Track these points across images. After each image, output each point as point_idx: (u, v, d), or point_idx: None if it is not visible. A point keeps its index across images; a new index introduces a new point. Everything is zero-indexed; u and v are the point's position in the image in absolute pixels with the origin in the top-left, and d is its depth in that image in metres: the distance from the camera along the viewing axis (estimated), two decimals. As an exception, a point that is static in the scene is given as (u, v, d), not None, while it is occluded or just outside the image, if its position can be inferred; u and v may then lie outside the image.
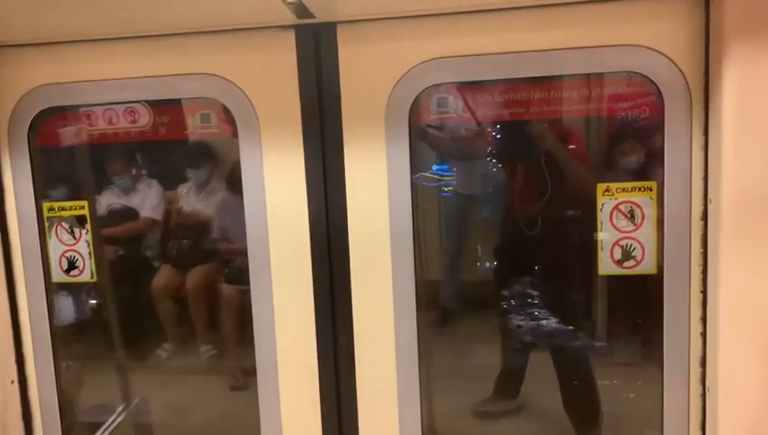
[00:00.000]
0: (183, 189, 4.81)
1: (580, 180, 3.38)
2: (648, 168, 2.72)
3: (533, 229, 3.63)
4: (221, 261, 4.65)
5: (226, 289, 4.61)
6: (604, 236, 2.42)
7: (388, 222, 2.47)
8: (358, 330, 2.53)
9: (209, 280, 4.71)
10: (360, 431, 2.59)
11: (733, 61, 2.01)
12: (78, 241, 2.76)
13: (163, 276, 4.77)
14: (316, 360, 2.56)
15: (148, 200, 4.74)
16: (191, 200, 4.81)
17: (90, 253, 2.76)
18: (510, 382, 3.93)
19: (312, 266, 2.52)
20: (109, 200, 4.47)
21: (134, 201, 4.71)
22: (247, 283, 4.35)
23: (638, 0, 2.24)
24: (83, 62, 2.54)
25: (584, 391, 3.65)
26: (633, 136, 2.94)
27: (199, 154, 4.47)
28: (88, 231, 2.75)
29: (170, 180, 4.73)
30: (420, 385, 2.55)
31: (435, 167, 3.88)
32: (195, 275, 4.74)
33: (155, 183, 4.73)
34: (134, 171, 4.61)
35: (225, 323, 4.61)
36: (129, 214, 4.66)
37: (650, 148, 2.56)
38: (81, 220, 2.74)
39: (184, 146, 4.43)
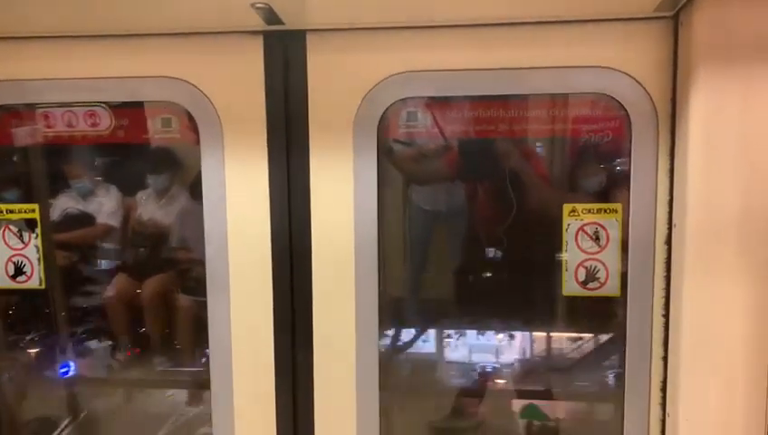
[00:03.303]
0: (142, 196, 4.71)
1: (544, 200, 3.41)
2: (614, 189, 2.74)
3: (496, 248, 3.63)
4: (179, 271, 4.55)
5: (183, 300, 4.51)
6: (569, 256, 2.41)
7: (353, 235, 2.42)
8: (317, 345, 2.47)
9: (166, 290, 4.61)
10: None
11: (700, 86, 2.02)
12: (27, 246, 2.63)
13: (118, 285, 4.64)
14: (273, 375, 2.49)
15: (105, 206, 4.63)
16: (150, 207, 4.71)
17: (39, 258, 2.64)
18: (469, 400, 3.92)
19: (273, 279, 2.45)
20: (65, 204, 4.34)
21: (91, 206, 4.59)
22: (204, 293, 4.31)
23: (608, 22, 2.25)
24: (42, 60, 2.45)
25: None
26: (599, 157, 2.96)
27: (160, 160, 4.38)
28: (38, 235, 2.63)
29: (129, 186, 4.62)
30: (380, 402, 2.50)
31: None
32: (151, 285, 4.64)
33: (113, 189, 4.62)
34: (91, 175, 4.50)
35: (181, 335, 4.50)
36: (86, 219, 4.53)
37: (617, 169, 2.57)
38: (30, 224, 2.62)
39: (144, 151, 4.34)
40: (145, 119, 2.65)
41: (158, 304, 4.60)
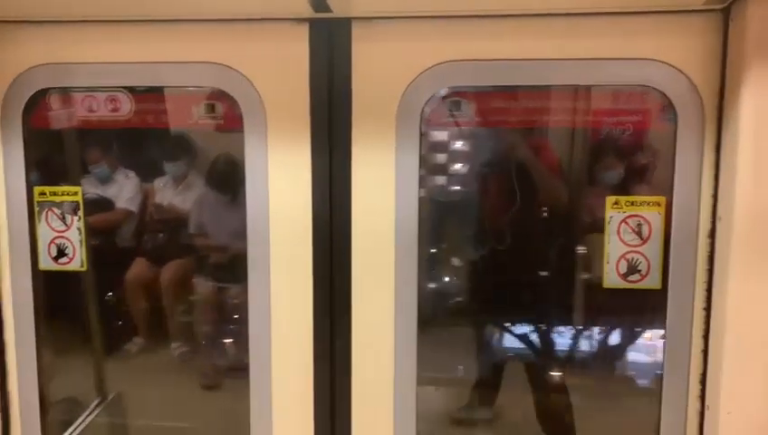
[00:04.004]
0: (160, 183, 4.73)
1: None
2: (655, 182, 2.75)
3: (524, 241, 3.64)
4: (197, 256, 4.58)
5: (201, 285, 4.54)
6: (610, 249, 2.41)
7: (394, 224, 2.42)
8: (356, 332, 2.49)
9: (184, 275, 4.64)
10: None
11: (751, 81, 2.02)
12: (69, 228, 2.65)
13: (136, 270, 4.68)
14: (312, 362, 2.50)
15: (124, 191, 4.66)
16: (168, 194, 4.74)
17: (81, 241, 2.66)
18: (486, 392, 3.94)
19: (313, 266, 2.46)
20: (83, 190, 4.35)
21: (110, 192, 4.62)
22: (222, 279, 4.34)
23: (656, 14, 2.24)
24: (87, 44, 2.45)
25: (557, 404, 3.67)
26: (643, 150, 2.98)
27: (177, 147, 4.41)
28: (80, 218, 2.65)
29: (148, 173, 4.65)
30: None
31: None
32: (169, 270, 4.67)
33: (132, 174, 4.64)
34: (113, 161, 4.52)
35: (198, 319, 4.53)
36: (105, 204, 4.56)
37: (662, 163, 2.56)
38: (73, 207, 2.64)
39: (164, 138, 4.36)
40: (185, 104, 2.66)
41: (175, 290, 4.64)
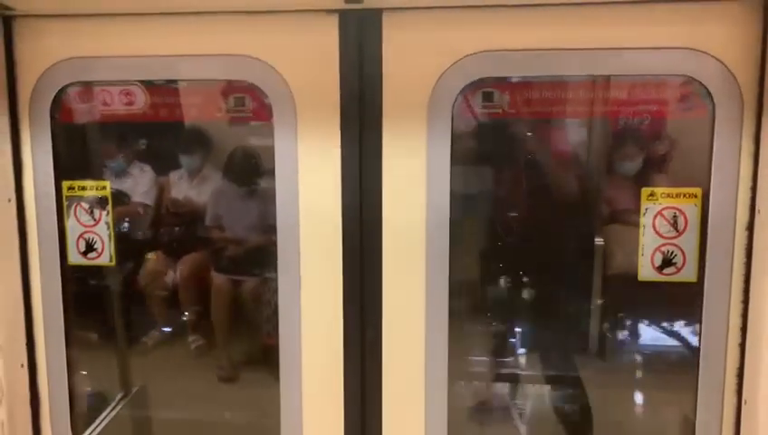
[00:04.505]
0: (175, 176, 4.72)
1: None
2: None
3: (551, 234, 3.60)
4: (213, 249, 4.57)
5: (217, 278, 4.54)
6: (645, 241, 2.38)
7: (425, 217, 2.40)
8: (387, 323, 2.47)
9: (200, 268, 4.63)
10: (383, 428, 2.53)
11: None
12: (98, 222, 2.65)
13: (153, 263, 4.67)
14: (342, 353, 2.49)
15: (140, 185, 4.65)
16: (183, 187, 4.73)
17: (109, 235, 2.65)
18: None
19: (343, 258, 2.44)
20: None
21: (125, 185, 4.61)
22: (239, 272, 4.34)
23: (693, 2, 2.21)
24: (115, 37, 2.43)
25: (572, 395, 3.66)
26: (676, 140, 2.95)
27: (194, 140, 4.39)
28: (108, 213, 2.64)
29: (164, 166, 4.63)
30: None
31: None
32: (186, 263, 4.66)
33: (148, 168, 4.63)
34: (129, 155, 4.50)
35: (215, 312, 4.53)
36: (120, 198, 4.55)
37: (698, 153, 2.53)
38: (101, 201, 2.64)
39: (180, 131, 4.35)
40: (216, 97, 2.65)
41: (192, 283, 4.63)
